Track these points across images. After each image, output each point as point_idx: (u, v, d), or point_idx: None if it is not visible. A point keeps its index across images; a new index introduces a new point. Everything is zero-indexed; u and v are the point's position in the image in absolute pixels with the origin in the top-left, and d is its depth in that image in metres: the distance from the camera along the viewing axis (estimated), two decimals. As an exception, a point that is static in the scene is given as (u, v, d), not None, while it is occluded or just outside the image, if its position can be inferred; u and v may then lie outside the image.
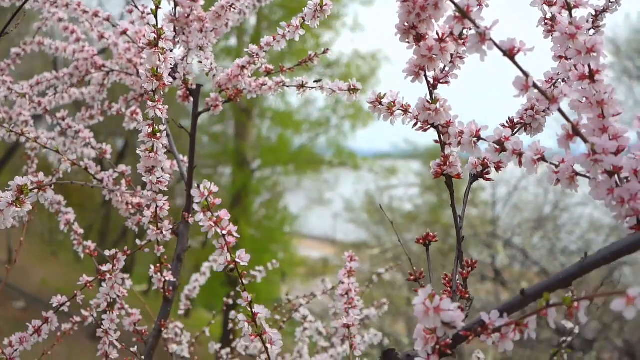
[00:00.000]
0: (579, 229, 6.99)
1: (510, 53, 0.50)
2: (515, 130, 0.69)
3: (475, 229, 7.06)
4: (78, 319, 1.12)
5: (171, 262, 1.00)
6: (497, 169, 0.68)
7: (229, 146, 11.32)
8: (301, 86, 0.93)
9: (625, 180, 0.51)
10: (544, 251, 6.71)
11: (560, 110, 0.51)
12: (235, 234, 0.62)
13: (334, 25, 11.06)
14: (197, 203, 0.61)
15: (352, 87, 0.83)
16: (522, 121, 0.68)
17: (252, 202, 11.20)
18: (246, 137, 11.36)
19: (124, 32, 1.03)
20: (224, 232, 0.62)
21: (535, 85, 0.50)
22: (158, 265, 0.95)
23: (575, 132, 0.51)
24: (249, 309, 0.64)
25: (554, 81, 0.69)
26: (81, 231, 1.10)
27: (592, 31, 0.72)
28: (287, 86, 0.96)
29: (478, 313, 0.51)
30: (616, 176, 0.53)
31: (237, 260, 0.63)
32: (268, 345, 0.64)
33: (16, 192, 0.66)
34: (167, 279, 0.96)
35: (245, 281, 0.68)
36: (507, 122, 0.69)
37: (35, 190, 0.65)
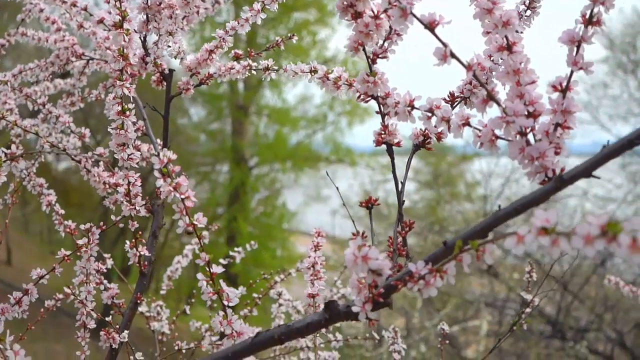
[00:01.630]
0: (569, 219, 7.05)
1: (430, 26, 0.56)
2: (456, 103, 0.74)
3: (469, 223, 7.12)
4: (60, 296, 1.17)
5: (147, 239, 1.05)
6: (438, 139, 0.73)
7: (227, 144, 11.37)
8: (266, 69, 0.99)
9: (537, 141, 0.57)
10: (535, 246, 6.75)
11: (475, 77, 0.56)
12: (194, 199, 0.67)
13: (330, 23, 11.10)
14: (156, 169, 0.66)
15: (312, 69, 0.88)
16: (461, 95, 0.74)
17: (250, 199, 11.25)
18: (243, 135, 11.41)
19: (101, 21, 1.08)
20: (183, 196, 0.67)
21: (452, 55, 0.55)
22: (133, 240, 1.01)
23: (490, 97, 0.56)
24: (207, 269, 0.69)
25: (492, 57, 0.75)
26: (62, 212, 1.15)
27: (528, 12, 0.77)
28: (255, 70, 1.01)
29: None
30: (531, 137, 0.58)
31: (195, 222, 0.68)
32: (225, 302, 0.69)
33: (-9, 164, 0.71)
34: (142, 253, 1.02)
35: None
36: (447, 96, 0.74)
37: (8, 162, 0.70)
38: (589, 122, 8.76)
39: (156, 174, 0.67)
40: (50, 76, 1.23)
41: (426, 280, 0.56)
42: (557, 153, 0.56)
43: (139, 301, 1.03)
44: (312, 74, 0.88)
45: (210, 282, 0.69)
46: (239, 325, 0.69)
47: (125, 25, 0.75)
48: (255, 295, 1.39)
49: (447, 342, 1.23)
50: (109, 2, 1.11)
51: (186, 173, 0.73)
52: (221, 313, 0.69)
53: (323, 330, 1.31)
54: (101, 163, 1.09)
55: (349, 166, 10.85)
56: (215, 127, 11.92)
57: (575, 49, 0.57)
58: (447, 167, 10.28)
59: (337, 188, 0.88)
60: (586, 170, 0.52)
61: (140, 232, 1.00)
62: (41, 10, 1.23)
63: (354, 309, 0.60)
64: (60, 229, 1.13)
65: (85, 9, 1.14)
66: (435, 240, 8.06)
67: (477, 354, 6.37)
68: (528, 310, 1.12)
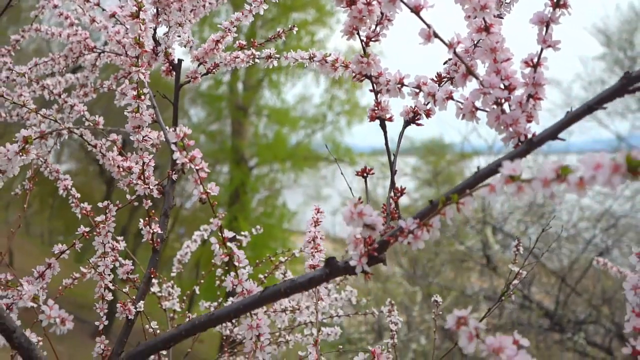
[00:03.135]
0: (568, 215, 7.12)
1: (416, 9, 0.63)
2: (443, 82, 0.81)
3: (467, 220, 7.19)
4: (77, 275, 1.25)
5: (159, 218, 1.12)
6: (427, 115, 0.80)
7: (226, 144, 11.44)
8: (269, 57, 1.06)
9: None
10: (534, 237, 6.84)
11: (456, 55, 0.64)
12: (207, 169, 0.75)
13: (328, 22, 11.19)
14: (173, 143, 0.73)
15: (312, 55, 0.96)
16: (447, 75, 0.81)
17: (250, 200, 11.31)
18: (243, 135, 11.47)
19: (113, 15, 1.16)
20: (197, 167, 0.74)
21: (435, 35, 0.63)
22: (147, 218, 1.08)
23: (469, 71, 0.64)
24: (220, 234, 0.77)
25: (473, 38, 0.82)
26: (78, 195, 1.22)
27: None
28: (258, 58, 1.09)
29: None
30: (507, 107, 0.66)
31: (208, 191, 0.75)
32: (236, 263, 0.77)
33: (22, 142, 0.78)
34: (155, 231, 1.09)
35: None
36: (435, 76, 0.82)
37: (38, 139, 0.77)
38: (587, 118, 8.82)
39: (173, 147, 0.74)
40: (64, 69, 1.30)
41: (415, 234, 0.63)
42: (529, 120, 0.64)
43: (152, 276, 1.11)
44: (311, 60, 0.96)
45: (223, 245, 0.77)
46: (249, 285, 0.76)
47: (142, 15, 0.82)
48: (260, 275, 1.46)
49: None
50: (119, -2, 1.18)
51: (186, 174, 0.81)
52: (232, 274, 0.77)
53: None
54: (114, 148, 1.16)
55: (348, 165, 10.91)
56: (215, 128, 11.98)
57: (544, 28, 0.64)
58: (447, 165, 10.37)
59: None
60: (552, 134, 0.59)
61: (153, 212, 1.08)
62: (55, 6, 1.30)
63: (352, 262, 0.67)
64: (76, 211, 1.21)
65: (97, 4, 1.21)
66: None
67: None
68: (515, 282, 1.19)
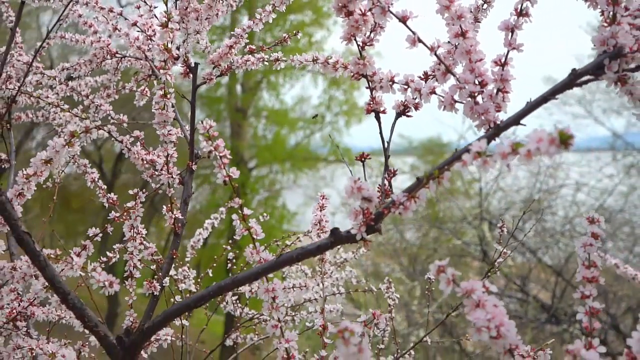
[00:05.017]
0: (564, 210, 7.27)
1: (403, 19, 0.77)
2: (429, 79, 0.95)
3: (466, 218, 7.34)
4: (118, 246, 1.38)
5: (180, 205, 1.26)
6: (416, 108, 0.94)
7: (226, 146, 11.56)
8: (277, 60, 1.20)
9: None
10: (531, 233, 6.98)
11: (436, 56, 0.77)
12: (229, 156, 0.88)
13: (325, 24, 11.32)
14: (201, 134, 0.87)
15: (314, 57, 1.09)
16: (433, 73, 0.94)
17: (250, 201, 11.44)
18: (242, 137, 11.60)
19: (134, 24, 1.29)
20: (221, 154, 0.88)
21: (419, 40, 0.76)
22: (169, 205, 1.21)
23: (447, 70, 0.77)
24: (240, 211, 0.90)
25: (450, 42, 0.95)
26: (105, 187, 1.35)
27: (485, 5, 0.98)
28: (266, 61, 1.22)
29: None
30: (479, 99, 0.79)
31: (230, 174, 0.89)
32: (254, 236, 0.90)
33: (69, 136, 0.92)
34: (176, 216, 1.22)
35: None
36: (422, 74, 0.95)
37: (84, 133, 0.91)
38: (583, 116, 8.96)
39: (200, 138, 0.88)
40: (90, 72, 1.44)
41: (404, 205, 0.76)
42: (497, 110, 0.77)
43: (174, 256, 1.24)
44: (315, 62, 1.09)
45: (243, 220, 0.90)
46: (265, 254, 0.90)
47: (170, 25, 0.95)
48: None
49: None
50: (139, 7, 1.32)
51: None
52: (250, 245, 0.90)
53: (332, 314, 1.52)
54: (138, 143, 1.29)
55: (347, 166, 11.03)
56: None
57: (510, 33, 0.78)
58: (445, 164, 10.49)
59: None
60: (515, 120, 0.73)
61: (175, 199, 1.21)
62: (80, 16, 1.43)
63: (353, 231, 0.80)
64: (104, 200, 1.34)
65: (120, 14, 1.35)
66: (435, 235, 8.28)
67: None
68: (500, 260, 1.33)
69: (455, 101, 0.81)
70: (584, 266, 0.73)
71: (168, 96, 1.02)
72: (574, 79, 0.71)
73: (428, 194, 0.75)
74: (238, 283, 0.84)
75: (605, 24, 0.70)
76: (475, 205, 8.07)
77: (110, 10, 1.34)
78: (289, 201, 12.42)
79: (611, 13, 0.69)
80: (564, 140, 0.54)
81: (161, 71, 0.99)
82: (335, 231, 0.83)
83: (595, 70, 0.69)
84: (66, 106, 1.24)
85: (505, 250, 1.34)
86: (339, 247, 1.79)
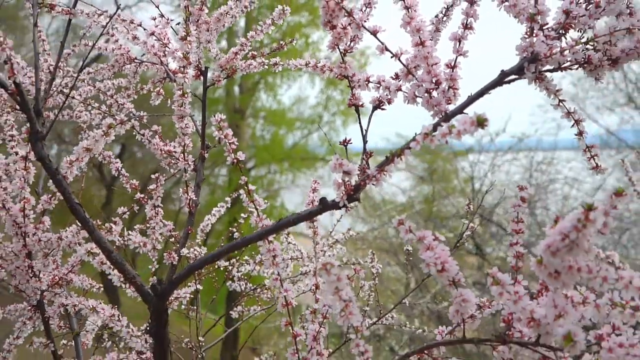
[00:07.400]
0: (555, 206, 7.50)
1: (374, 32, 0.98)
2: (399, 79, 1.16)
3: (462, 216, 7.55)
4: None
5: (194, 188, 1.47)
6: (389, 102, 1.15)
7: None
8: (276, 64, 1.41)
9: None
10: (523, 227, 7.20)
11: (400, 61, 0.99)
12: (236, 143, 1.10)
13: (321, 25, 11.50)
14: (213, 125, 1.08)
15: (307, 62, 1.31)
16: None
17: (249, 201, 11.62)
18: (241, 137, 11.80)
19: (152, 33, 1.51)
20: (230, 141, 1.09)
21: (386, 48, 0.98)
22: (185, 187, 1.43)
23: (409, 72, 0.99)
24: (246, 187, 1.12)
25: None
26: (127, 174, 1.57)
27: (445, 18, 1.19)
28: (267, 65, 1.44)
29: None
30: (435, 94, 1.01)
31: (237, 157, 1.10)
32: (258, 207, 1.11)
33: (106, 127, 1.13)
34: (191, 197, 1.44)
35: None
36: (394, 74, 1.17)
37: (119, 125, 1.12)
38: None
39: (213, 128, 1.09)
40: (113, 75, 1.65)
41: (376, 177, 0.98)
42: (448, 103, 0.99)
43: (189, 232, 1.46)
44: (307, 65, 1.31)
45: (248, 194, 1.12)
46: (267, 222, 1.11)
47: (189, 38, 1.17)
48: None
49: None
50: (155, 19, 1.54)
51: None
52: (255, 214, 1.12)
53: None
54: (157, 136, 1.51)
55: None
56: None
57: (457, 43, 0.99)
58: (442, 162, 10.72)
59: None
60: (459, 110, 0.95)
61: (189, 183, 1.42)
62: (104, 27, 1.65)
63: (336, 199, 1.02)
64: (127, 186, 1.55)
65: (140, 25, 1.56)
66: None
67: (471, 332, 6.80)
68: (468, 233, 1.54)
69: (416, 96, 1.02)
70: (513, 221, 0.95)
71: (185, 95, 1.24)
72: (502, 78, 0.92)
73: (414, 180, 0.97)
74: (248, 241, 1.06)
75: (526, 36, 0.91)
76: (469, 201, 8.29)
77: (131, 22, 1.56)
78: (287, 201, 12.62)
79: (529, 27, 0.91)
80: (480, 122, 0.76)
81: (179, 75, 1.21)
82: (323, 200, 1.04)
83: (518, 71, 0.91)
84: (96, 104, 1.45)
85: (474, 225, 1.55)
86: (331, 230, 2.02)
